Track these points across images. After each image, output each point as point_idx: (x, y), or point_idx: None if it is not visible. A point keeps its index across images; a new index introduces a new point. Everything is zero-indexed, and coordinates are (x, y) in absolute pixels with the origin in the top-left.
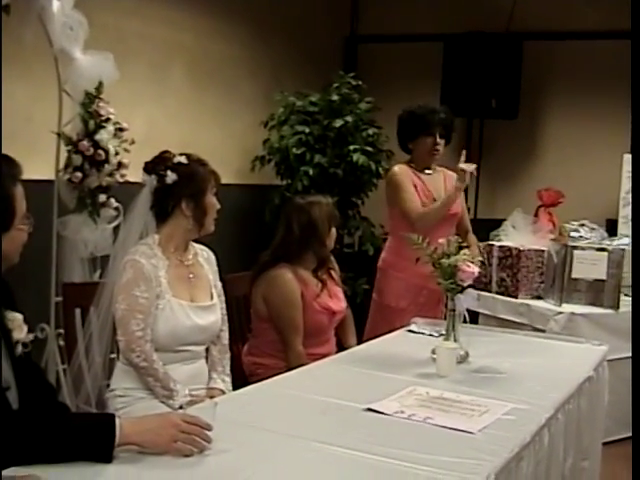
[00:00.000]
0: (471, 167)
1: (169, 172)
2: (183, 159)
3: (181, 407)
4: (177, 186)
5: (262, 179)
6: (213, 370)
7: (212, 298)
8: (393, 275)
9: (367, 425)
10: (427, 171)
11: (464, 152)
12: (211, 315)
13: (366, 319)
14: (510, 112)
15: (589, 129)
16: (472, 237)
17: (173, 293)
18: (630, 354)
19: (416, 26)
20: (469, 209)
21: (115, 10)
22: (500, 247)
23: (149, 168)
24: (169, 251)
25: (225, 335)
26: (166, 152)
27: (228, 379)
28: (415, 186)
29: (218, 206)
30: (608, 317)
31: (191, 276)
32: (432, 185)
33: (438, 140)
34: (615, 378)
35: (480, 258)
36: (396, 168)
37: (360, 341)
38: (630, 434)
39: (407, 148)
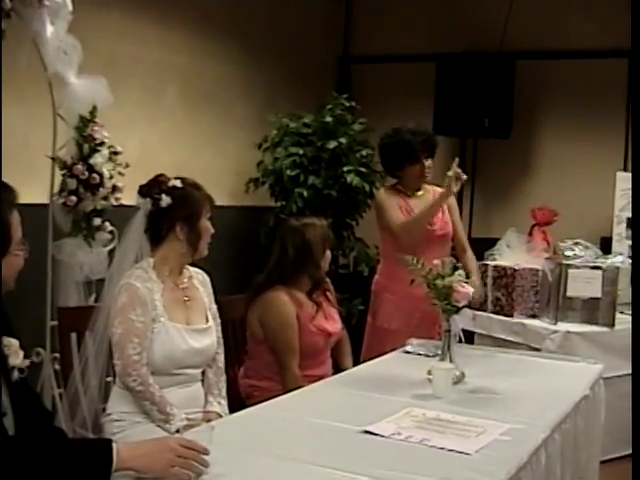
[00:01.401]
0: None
1: (164, 195)
2: (178, 183)
3: (178, 431)
4: (171, 209)
5: (256, 201)
6: (209, 393)
7: (207, 321)
8: (386, 298)
9: (364, 447)
10: (417, 193)
11: (457, 160)
12: (207, 338)
13: (362, 340)
14: (503, 131)
15: (582, 147)
16: (471, 259)
17: (169, 316)
18: (626, 372)
19: (409, 46)
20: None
21: (108, 33)
22: (495, 266)
23: (144, 191)
24: (164, 274)
25: (221, 358)
26: (161, 176)
27: (224, 402)
28: (400, 207)
29: (212, 230)
30: (603, 335)
31: (186, 299)
32: (420, 207)
33: (426, 164)
34: (611, 396)
35: (475, 285)
36: (381, 191)
37: (356, 363)
38: (627, 452)
39: (395, 175)
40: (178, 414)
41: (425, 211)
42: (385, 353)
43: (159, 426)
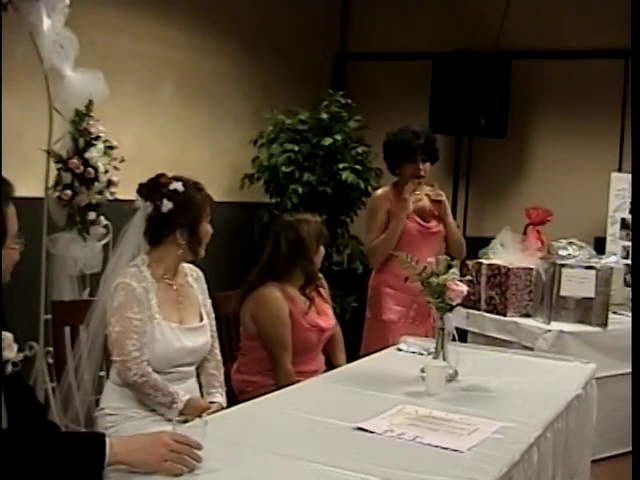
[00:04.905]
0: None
1: (165, 200)
2: (179, 186)
3: (182, 413)
4: (172, 215)
5: (251, 197)
6: (211, 386)
7: (202, 319)
8: (383, 291)
9: (356, 444)
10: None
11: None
12: (201, 336)
13: (355, 336)
14: (499, 130)
15: (577, 147)
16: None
17: (163, 316)
18: (618, 372)
19: (405, 44)
20: (458, 227)
21: (104, 27)
22: (489, 265)
23: (144, 193)
24: (158, 273)
25: (218, 352)
26: (162, 176)
27: (224, 393)
28: (389, 214)
29: (211, 231)
30: (596, 335)
31: (180, 298)
32: (414, 206)
33: (421, 166)
34: (604, 396)
35: None
36: (378, 192)
37: (351, 359)
38: (618, 452)
39: (394, 173)
40: (182, 393)
41: (390, 232)
42: (386, 346)
43: (162, 414)
